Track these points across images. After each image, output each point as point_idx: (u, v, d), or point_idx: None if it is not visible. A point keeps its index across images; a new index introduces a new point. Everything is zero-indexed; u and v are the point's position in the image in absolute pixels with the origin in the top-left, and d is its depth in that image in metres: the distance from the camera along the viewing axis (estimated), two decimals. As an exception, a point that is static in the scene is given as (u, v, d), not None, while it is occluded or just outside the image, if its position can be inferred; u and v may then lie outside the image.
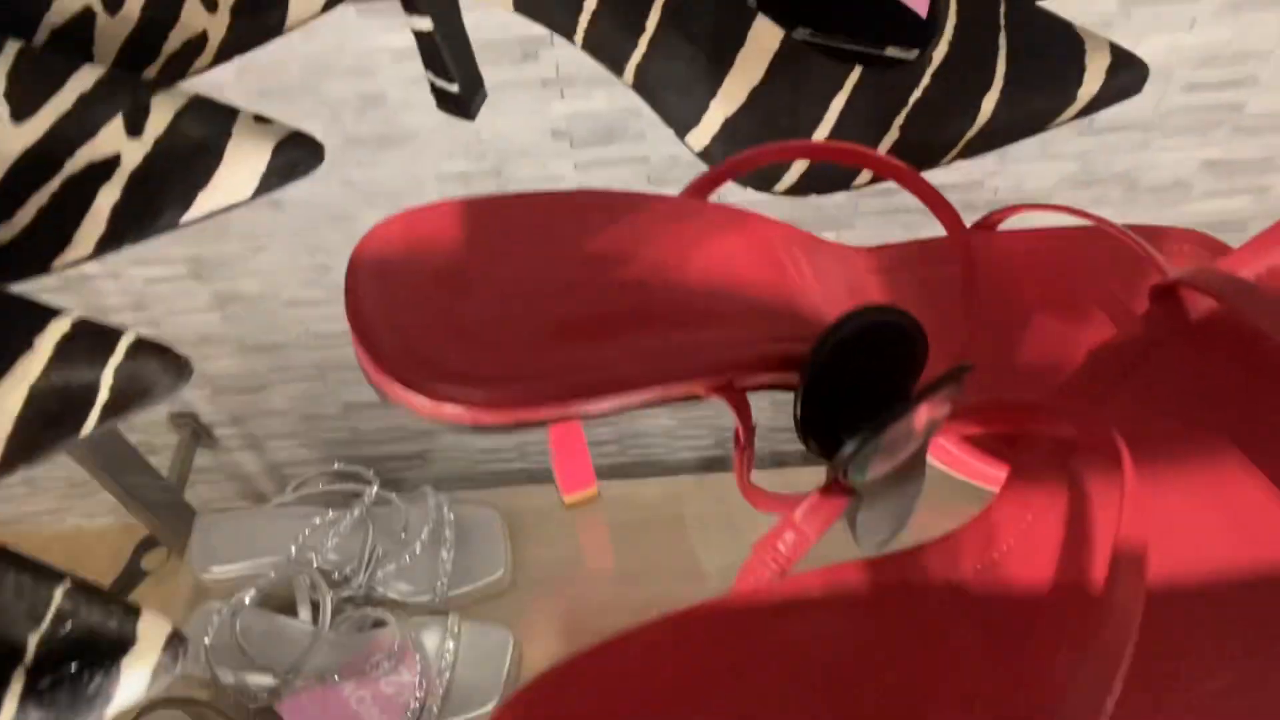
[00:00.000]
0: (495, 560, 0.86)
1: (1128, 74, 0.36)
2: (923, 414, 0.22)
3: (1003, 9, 0.35)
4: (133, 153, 0.35)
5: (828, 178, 0.35)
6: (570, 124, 0.73)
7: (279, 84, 0.69)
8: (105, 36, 0.40)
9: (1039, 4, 0.37)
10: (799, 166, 0.34)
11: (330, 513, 0.85)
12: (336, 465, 0.92)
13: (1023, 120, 0.35)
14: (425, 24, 0.37)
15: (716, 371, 0.22)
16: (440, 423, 0.21)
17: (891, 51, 0.34)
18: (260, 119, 0.37)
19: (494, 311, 0.20)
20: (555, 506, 0.94)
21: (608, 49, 0.33)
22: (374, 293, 0.20)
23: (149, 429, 1.06)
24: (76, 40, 0.39)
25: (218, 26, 0.41)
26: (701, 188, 0.28)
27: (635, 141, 0.74)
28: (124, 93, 0.36)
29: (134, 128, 0.35)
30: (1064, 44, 0.35)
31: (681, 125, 0.34)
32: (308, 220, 0.82)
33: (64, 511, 1.25)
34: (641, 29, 0.32)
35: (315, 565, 0.83)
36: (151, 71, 0.42)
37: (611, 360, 0.20)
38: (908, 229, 0.66)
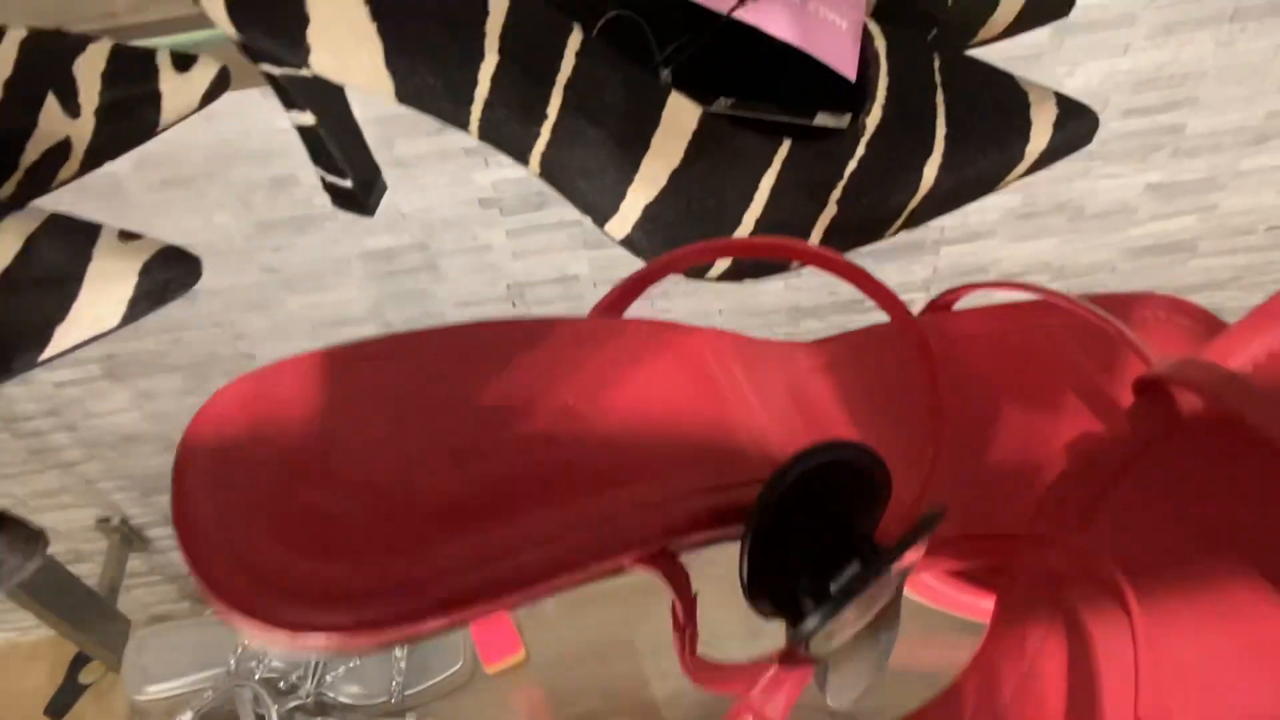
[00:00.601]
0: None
1: (1076, 124, 0.33)
2: (893, 570, 0.19)
3: (937, 64, 0.32)
4: (-27, 293, 0.31)
5: (761, 263, 0.32)
6: (498, 190, 0.70)
7: (181, 173, 0.65)
8: (-49, 153, 0.36)
9: (972, 55, 0.34)
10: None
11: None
12: (277, 563, 0.87)
13: (969, 184, 0.32)
14: (307, 119, 0.33)
15: (645, 541, 0.18)
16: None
17: (821, 120, 0.31)
18: (126, 236, 0.33)
19: (362, 502, 0.16)
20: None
21: (507, 139, 0.29)
22: (206, 492, 0.16)
23: (73, 535, 0.99)
24: (-84, 160, 0.35)
25: (82, 131, 0.37)
26: (615, 302, 0.25)
27: (569, 205, 0.71)
28: (-35, 226, 0.32)
29: (-26, 263, 0.31)
30: (1006, 98, 0.32)
31: (598, 214, 0.31)
32: (226, 309, 0.77)
33: (-7, 627, 1.18)
34: (542, 116, 0.28)
35: (257, 676, 0.77)
36: (9, 187, 0.37)
37: (513, 546, 0.16)
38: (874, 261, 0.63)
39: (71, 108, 0.36)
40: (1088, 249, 0.84)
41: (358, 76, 0.28)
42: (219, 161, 0.65)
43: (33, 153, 0.37)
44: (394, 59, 0.27)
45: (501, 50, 0.27)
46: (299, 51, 0.27)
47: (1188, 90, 0.71)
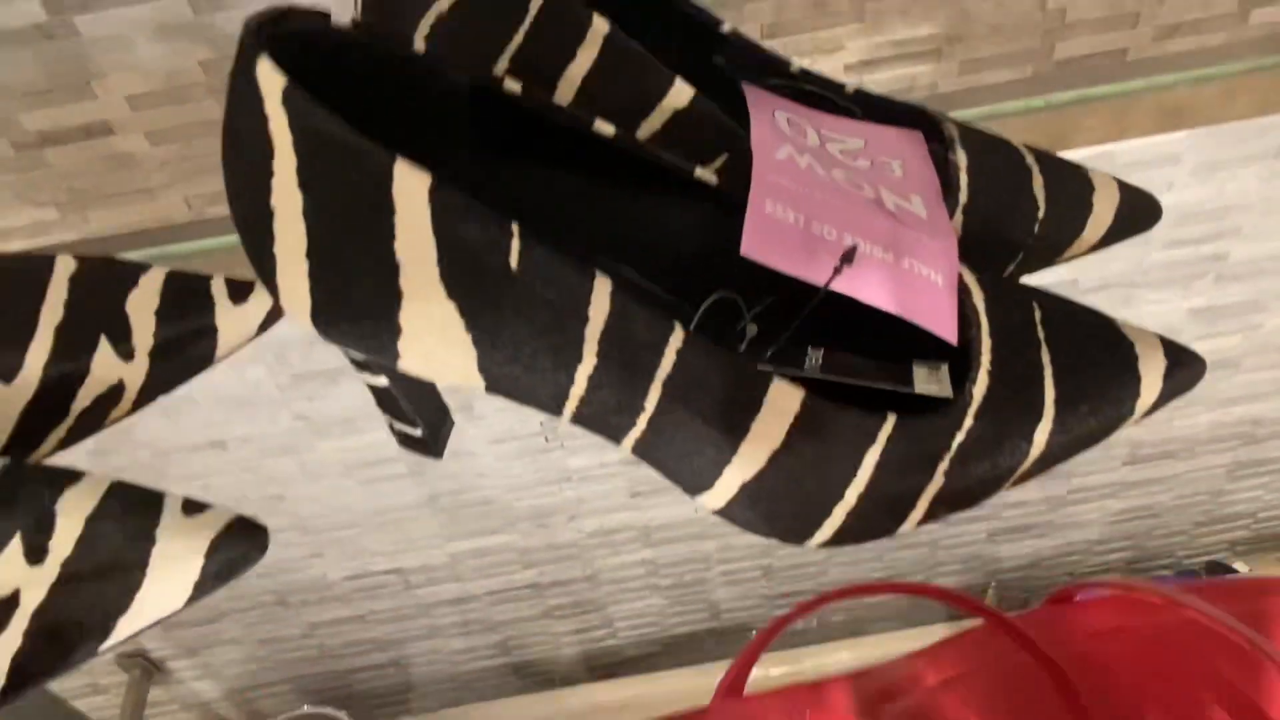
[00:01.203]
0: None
1: (1185, 373, 0.32)
2: None
3: (1039, 316, 0.31)
4: (34, 587, 0.29)
5: (868, 531, 0.30)
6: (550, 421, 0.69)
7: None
8: (2, 404, 0.34)
9: (1070, 300, 0.33)
10: (838, 520, 0.29)
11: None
12: (305, 708, 0.84)
13: (1080, 442, 0.31)
14: (380, 381, 0.31)
15: None
16: None
17: (923, 387, 0.30)
18: (191, 508, 0.32)
19: None
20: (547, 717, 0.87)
21: (599, 428, 0.28)
22: None
23: (93, 670, 0.96)
24: (-34, 418, 0.34)
25: (135, 374, 0.36)
26: (736, 681, 0.23)
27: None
28: (23, 507, 0.30)
29: (35, 551, 0.29)
30: (1112, 350, 0.31)
31: (692, 488, 0.29)
32: (257, 456, 0.76)
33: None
34: (640, 409, 0.27)
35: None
36: (61, 431, 0.36)
37: None
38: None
39: (125, 350, 0.35)
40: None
41: (448, 379, 0.26)
42: (253, 321, 0.64)
43: (85, 399, 0.35)
44: (487, 364, 0.26)
45: (600, 354, 0.26)
46: (388, 358, 0.26)
47: (1231, 221, 0.70)
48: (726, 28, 0.37)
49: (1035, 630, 0.27)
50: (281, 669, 1.02)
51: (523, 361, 0.26)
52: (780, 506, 0.29)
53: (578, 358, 0.26)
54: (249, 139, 0.23)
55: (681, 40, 0.37)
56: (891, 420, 0.28)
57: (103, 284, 0.36)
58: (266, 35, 0.23)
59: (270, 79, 0.22)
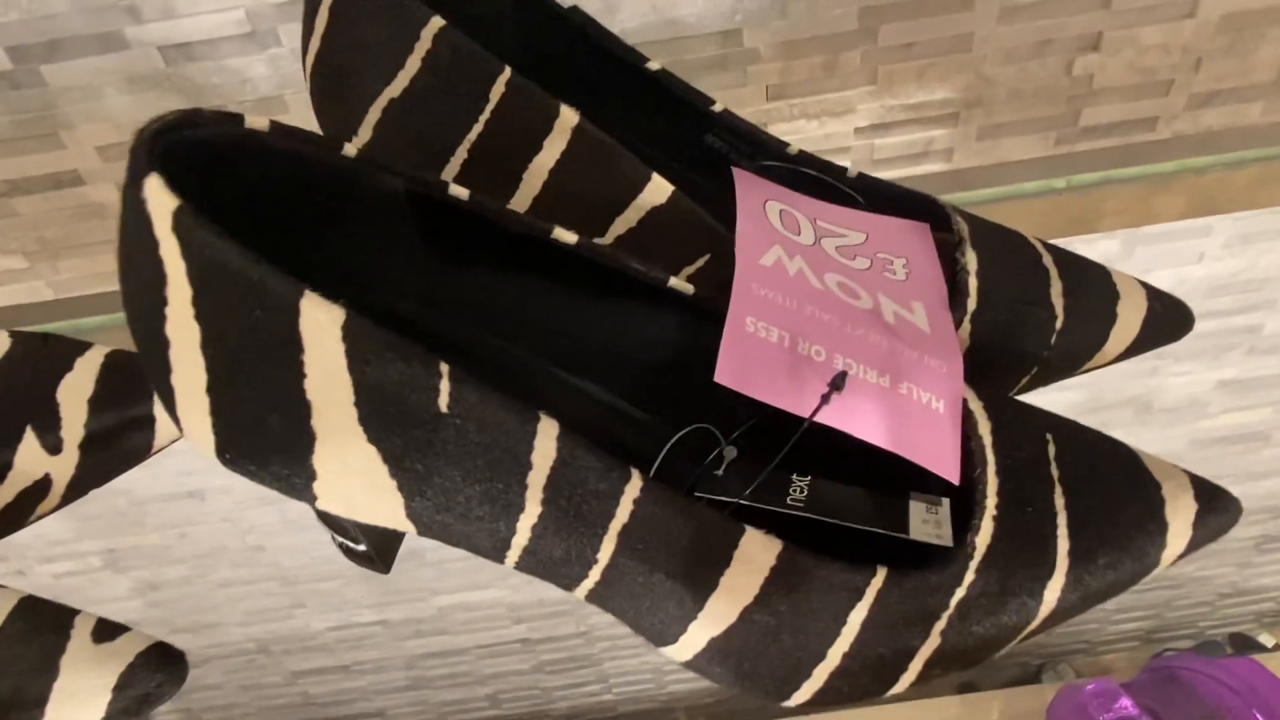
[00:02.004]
0: None
1: (1217, 519, 0.28)
2: None
3: (1052, 451, 0.28)
4: (-84, 728, 0.26)
5: (853, 692, 0.27)
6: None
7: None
8: (-88, 503, 0.31)
9: (1089, 428, 0.29)
10: (819, 681, 0.26)
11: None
12: (281, 765, 0.81)
13: (1095, 597, 0.27)
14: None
15: None
16: None
17: (921, 533, 0.26)
18: (104, 633, 0.29)
19: None
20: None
21: (549, 576, 0.24)
22: None
23: (72, 712, 0.94)
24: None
25: (63, 467, 0.33)
26: None
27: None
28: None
29: (-78, 684, 0.26)
30: (1136, 491, 0.28)
31: (655, 640, 0.26)
32: (236, 507, 0.73)
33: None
34: (592, 561, 0.24)
35: None
36: (-21, 530, 0.33)
37: None
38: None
39: (51, 443, 0.32)
40: (1155, 440, 0.78)
41: (374, 520, 0.23)
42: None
43: (7, 493, 0.32)
44: (416, 511, 0.23)
45: (545, 502, 0.22)
46: (303, 499, 0.23)
47: (1266, 294, 0.66)
48: (718, 107, 0.34)
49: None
50: (264, 715, 0.99)
51: (456, 510, 0.22)
52: (754, 664, 0.26)
53: (519, 507, 0.22)
54: (141, 262, 0.20)
55: (672, 120, 0.34)
56: (882, 575, 0.25)
57: (35, 367, 0.34)
58: (164, 146, 0.20)
59: (160, 200, 0.19)
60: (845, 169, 0.36)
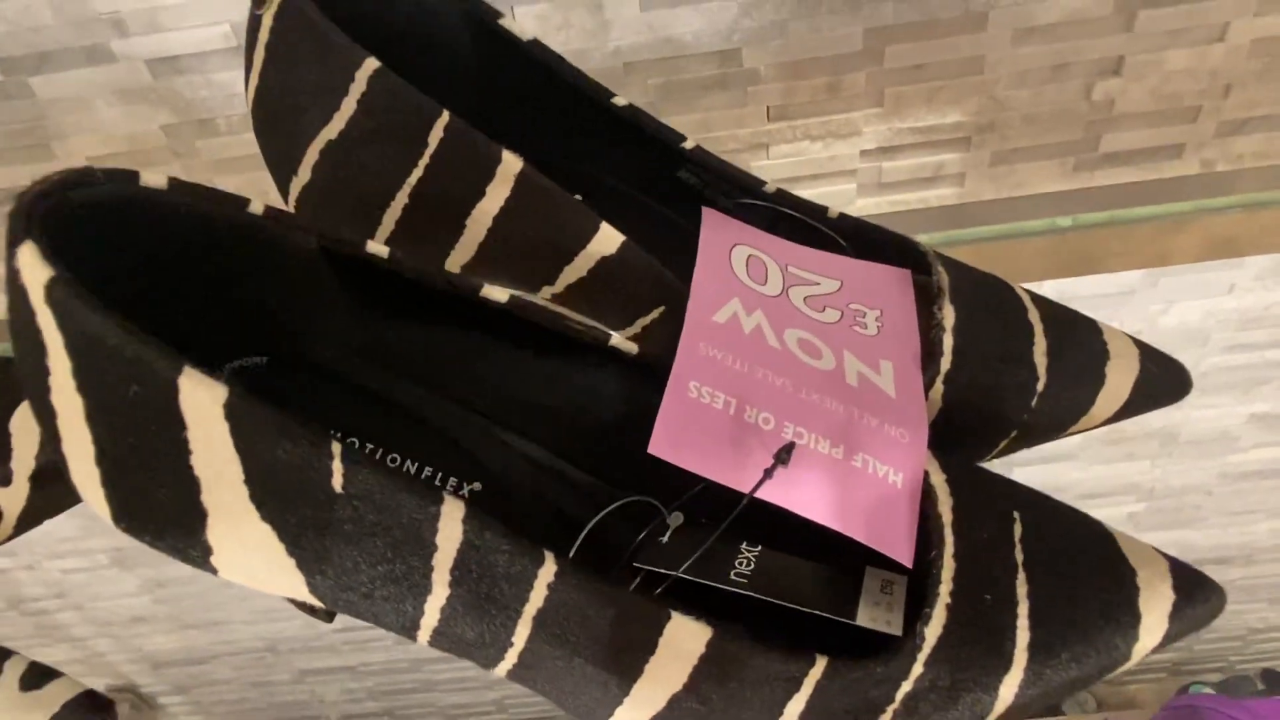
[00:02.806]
0: None
1: (1196, 611, 0.26)
2: None
3: (1019, 532, 0.26)
4: None
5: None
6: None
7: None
8: None
9: (1063, 504, 0.27)
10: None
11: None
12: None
13: (1058, 691, 0.26)
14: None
15: None
16: None
17: (869, 619, 0.25)
18: (34, 678, 0.28)
19: None
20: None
21: (465, 655, 0.23)
22: None
23: (85, 701, 0.95)
24: None
25: (14, 499, 0.32)
26: None
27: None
28: None
29: None
30: (1108, 580, 0.26)
31: (582, 717, 0.25)
32: (238, 510, 0.73)
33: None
34: (507, 644, 0.22)
35: None
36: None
37: None
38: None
39: (2, 475, 0.32)
40: (1181, 472, 0.75)
41: (280, 593, 0.22)
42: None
43: (-45, 528, 0.32)
44: (319, 588, 0.21)
45: (453, 584, 0.21)
46: (206, 569, 0.22)
47: (1302, 327, 0.63)
48: (689, 144, 0.32)
49: None
50: (273, 711, 0.99)
51: (360, 589, 0.21)
52: (684, 751, 0.24)
53: (425, 589, 0.21)
54: (23, 331, 0.19)
55: (644, 156, 0.33)
56: (821, 665, 0.23)
57: (-10, 396, 0.33)
58: (47, 209, 0.19)
59: (33, 270, 0.18)
60: (825, 209, 0.34)
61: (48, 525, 0.76)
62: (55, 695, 0.27)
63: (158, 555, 0.67)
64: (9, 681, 0.27)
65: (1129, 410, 0.31)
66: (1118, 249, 0.40)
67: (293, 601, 0.31)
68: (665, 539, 0.27)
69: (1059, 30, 0.46)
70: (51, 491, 0.33)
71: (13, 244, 0.18)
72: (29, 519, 0.33)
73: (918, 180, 0.52)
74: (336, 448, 0.19)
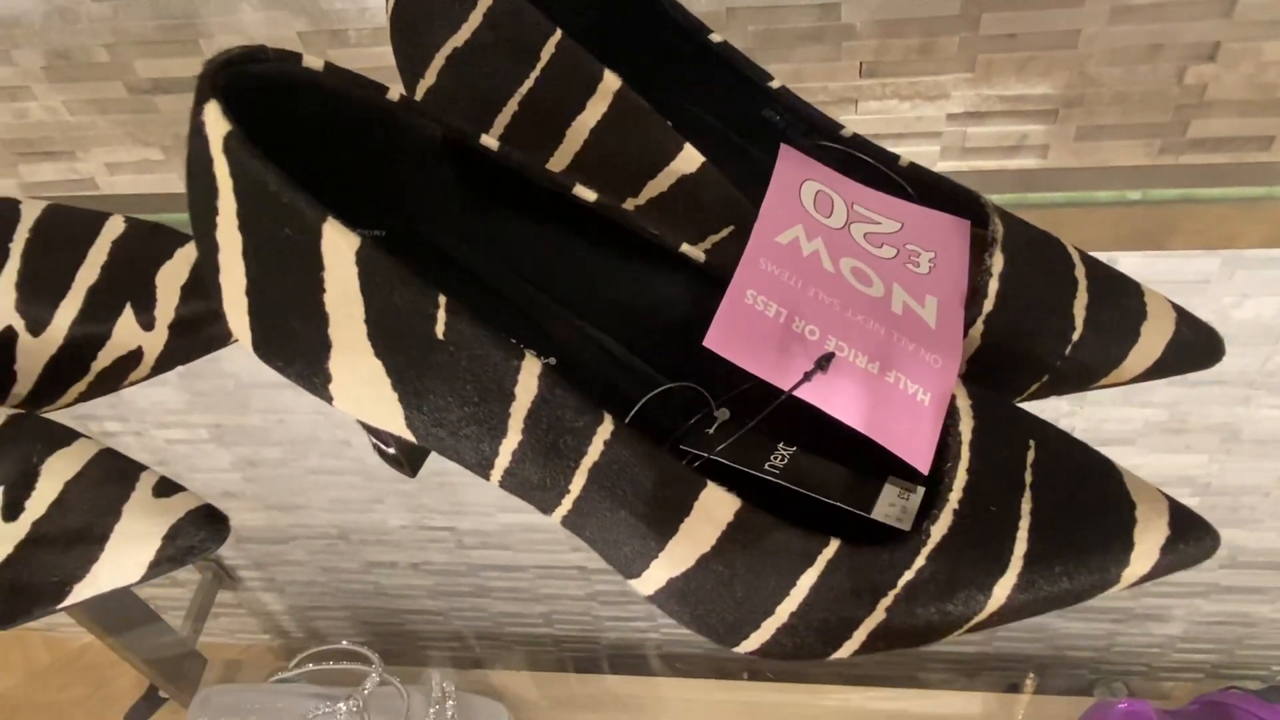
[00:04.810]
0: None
1: (1189, 549, 0.28)
2: None
3: (1031, 458, 0.28)
4: (4, 543, 0.31)
5: (798, 650, 0.28)
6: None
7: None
8: (28, 355, 0.37)
9: (1079, 440, 0.30)
10: (766, 633, 0.28)
11: (323, 706, 0.80)
12: (345, 643, 0.88)
13: (1047, 603, 0.28)
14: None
15: None
16: None
17: (884, 513, 0.28)
18: (163, 489, 0.33)
19: None
20: (569, 699, 0.88)
21: (528, 498, 0.27)
22: None
23: (174, 565, 1.04)
24: (-5, 360, 0.36)
25: (154, 343, 0.37)
26: None
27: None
28: (12, 456, 0.32)
29: (12, 508, 0.31)
30: (1108, 510, 0.28)
31: (622, 572, 0.29)
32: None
33: (96, 623, 1.24)
34: (565, 491, 0.26)
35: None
36: (81, 386, 0.38)
37: None
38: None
39: (146, 320, 0.37)
40: (1240, 471, 0.75)
41: (380, 425, 0.26)
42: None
43: (105, 359, 0.37)
44: (414, 422, 0.25)
45: (525, 431, 0.25)
46: (322, 398, 0.26)
47: (1384, 333, 0.63)
48: (776, 84, 0.35)
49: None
50: (339, 597, 1.07)
51: (448, 426, 0.25)
52: (707, 609, 0.28)
53: (502, 432, 0.25)
54: (200, 174, 0.23)
55: (732, 92, 0.36)
56: (834, 545, 0.26)
57: (141, 252, 0.38)
58: (226, 77, 0.23)
59: (215, 124, 0.22)
60: (897, 157, 0.36)
61: (157, 395, 0.83)
62: (181, 504, 0.32)
63: (253, 436, 0.73)
64: (145, 488, 0.32)
65: (1160, 370, 0.33)
66: (1184, 227, 0.41)
67: (381, 454, 0.36)
68: (711, 431, 0.30)
69: (1157, 11, 0.47)
70: (186, 341, 0.38)
71: (199, 101, 0.22)
72: (164, 363, 0.38)
73: (1001, 149, 0.54)
74: (441, 300, 0.23)
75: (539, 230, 0.29)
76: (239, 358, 0.79)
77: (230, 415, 0.81)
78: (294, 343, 0.25)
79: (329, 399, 0.26)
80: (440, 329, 0.23)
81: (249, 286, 0.24)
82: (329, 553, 0.99)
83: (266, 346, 0.25)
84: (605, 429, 0.25)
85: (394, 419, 0.26)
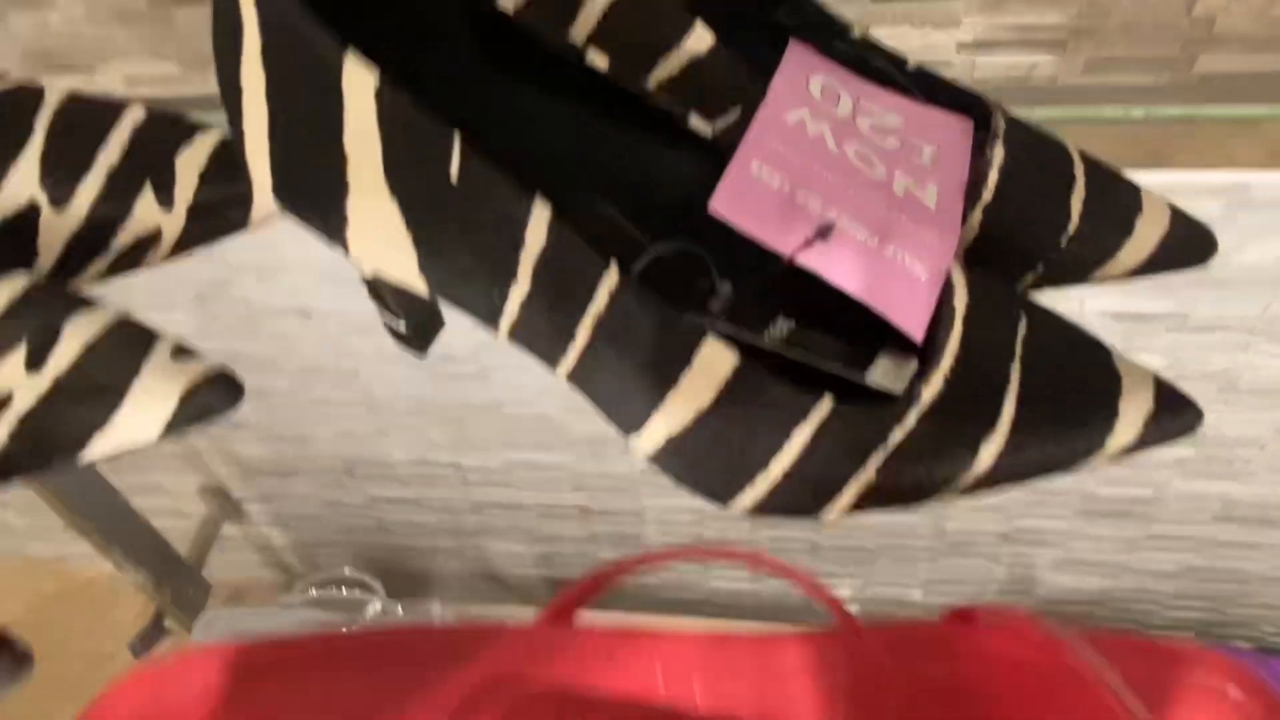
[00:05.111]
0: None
1: (1172, 421, 0.29)
2: None
3: (1022, 332, 0.29)
4: (27, 392, 0.32)
5: (791, 505, 0.30)
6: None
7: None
8: (50, 231, 0.38)
9: (1066, 320, 0.31)
10: (760, 489, 0.29)
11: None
12: (347, 570, 0.90)
13: (1032, 468, 0.29)
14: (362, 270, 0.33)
15: None
16: None
17: (877, 379, 0.29)
18: (180, 353, 0.34)
19: None
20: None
21: (534, 351, 0.28)
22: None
23: (180, 496, 1.05)
24: (19, 235, 0.37)
25: (173, 224, 0.38)
26: (566, 606, 0.24)
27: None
28: (36, 315, 0.33)
29: (36, 360, 0.32)
30: (1094, 381, 0.29)
31: (624, 428, 0.30)
32: (338, 329, 0.80)
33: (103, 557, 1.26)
34: (570, 341, 0.27)
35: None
36: (102, 264, 0.39)
37: None
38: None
39: (165, 200, 0.38)
40: (1237, 422, 0.76)
41: (393, 275, 0.27)
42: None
43: (125, 238, 0.38)
44: (427, 268, 0.26)
45: (534, 279, 0.26)
46: (338, 245, 0.27)
47: (1382, 281, 0.63)
48: (787, -17, 0.36)
49: (925, 644, 0.26)
50: (342, 531, 1.08)
51: (460, 271, 0.26)
52: (704, 464, 0.29)
53: (512, 279, 0.26)
54: (225, 13, 0.24)
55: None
56: (828, 401, 0.28)
57: (161, 137, 0.39)
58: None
59: (243, -43, 0.23)
60: (905, 61, 0.37)
61: (167, 317, 0.84)
62: (198, 366, 0.33)
63: (261, 365, 0.74)
64: (163, 350, 0.33)
65: (1154, 265, 0.34)
66: (1184, 146, 0.42)
67: (392, 332, 0.37)
68: (713, 307, 0.31)
69: (1168, -62, 0.47)
70: (203, 224, 0.39)
71: (228, -64, 0.23)
72: (182, 244, 0.39)
73: (1009, 79, 0.54)
74: (457, 140, 0.24)
75: (548, 98, 0.30)
76: (248, 284, 0.80)
77: (240, 342, 0.82)
78: (313, 185, 0.26)
79: (344, 245, 0.27)
80: (454, 170, 0.24)
81: (271, 128, 0.25)
82: (334, 488, 1.01)
83: (286, 191, 0.26)
84: (610, 279, 0.26)
85: (407, 265, 0.27)
